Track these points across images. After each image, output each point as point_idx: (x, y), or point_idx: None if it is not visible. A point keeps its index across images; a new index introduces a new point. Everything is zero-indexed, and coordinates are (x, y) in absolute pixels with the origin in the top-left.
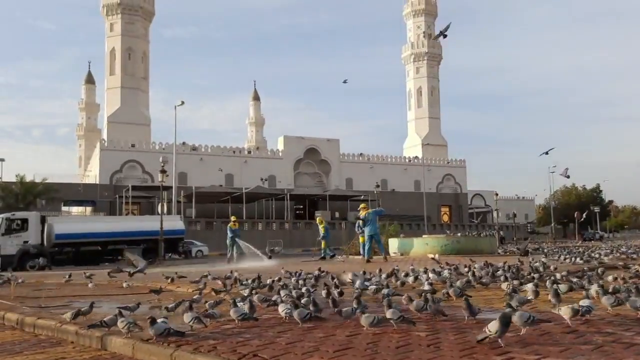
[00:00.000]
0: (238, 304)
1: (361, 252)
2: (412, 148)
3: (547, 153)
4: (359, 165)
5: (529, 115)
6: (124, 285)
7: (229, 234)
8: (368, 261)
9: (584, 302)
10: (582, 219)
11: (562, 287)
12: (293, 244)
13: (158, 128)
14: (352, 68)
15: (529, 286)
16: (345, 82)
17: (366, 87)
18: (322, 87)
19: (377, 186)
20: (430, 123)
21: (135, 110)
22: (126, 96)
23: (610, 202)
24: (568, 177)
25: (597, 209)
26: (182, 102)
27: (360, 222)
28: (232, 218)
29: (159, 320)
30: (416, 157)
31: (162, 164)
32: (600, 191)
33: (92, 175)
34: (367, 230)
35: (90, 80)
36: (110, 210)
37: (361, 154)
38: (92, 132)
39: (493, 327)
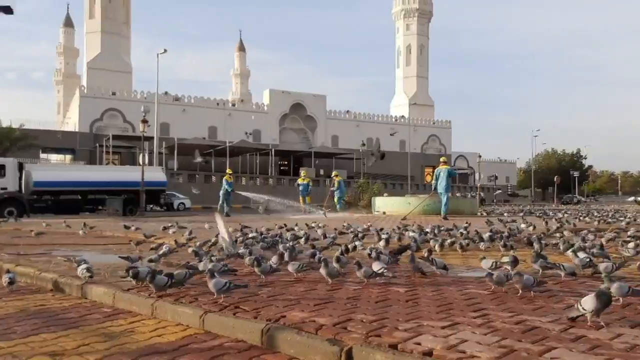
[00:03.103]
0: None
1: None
2: (399, 107)
3: None
4: (346, 123)
5: (516, 77)
6: (81, 233)
7: (226, 187)
8: (445, 218)
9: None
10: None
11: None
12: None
13: (139, 77)
14: (342, 22)
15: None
16: None
17: (355, 43)
18: (310, 40)
19: (363, 145)
20: (418, 82)
21: (116, 57)
22: (106, 41)
23: (590, 167)
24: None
25: (576, 174)
26: (165, 51)
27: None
28: (228, 171)
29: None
30: (403, 117)
31: (143, 114)
32: (581, 156)
33: (72, 122)
34: (439, 187)
35: (68, 23)
36: (90, 160)
37: (348, 111)
38: (70, 78)
39: (588, 305)
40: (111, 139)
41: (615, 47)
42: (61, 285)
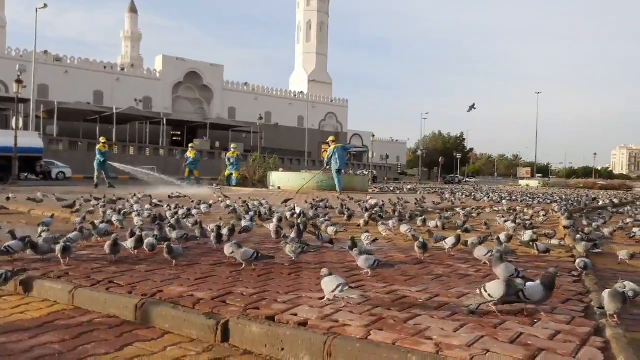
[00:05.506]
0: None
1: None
2: (298, 83)
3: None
4: (243, 95)
5: (410, 62)
6: None
7: (99, 157)
8: (341, 194)
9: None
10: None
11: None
12: (168, 171)
13: (14, 33)
14: None
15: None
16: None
17: (256, 15)
18: (209, 8)
19: (261, 118)
20: (317, 59)
21: None
22: None
23: (471, 150)
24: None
25: (459, 156)
26: (45, 5)
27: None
28: (102, 139)
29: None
30: (301, 93)
31: (18, 73)
32: (464, 139)
33: None
34: (334, 164)
35: None
36: None
37: (246, 83)
38: None
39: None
40: None
41: (500, 43)
42: None
